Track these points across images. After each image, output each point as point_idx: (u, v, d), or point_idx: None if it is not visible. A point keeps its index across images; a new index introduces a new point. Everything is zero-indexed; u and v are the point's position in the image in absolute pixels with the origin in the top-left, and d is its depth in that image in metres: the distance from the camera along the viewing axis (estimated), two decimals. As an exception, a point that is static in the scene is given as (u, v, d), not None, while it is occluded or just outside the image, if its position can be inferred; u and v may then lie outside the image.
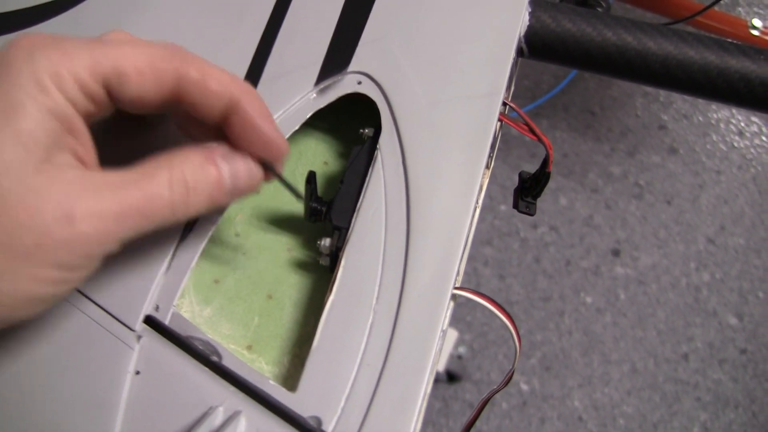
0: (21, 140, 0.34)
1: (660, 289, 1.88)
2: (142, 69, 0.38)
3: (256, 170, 0.43)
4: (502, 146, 2.00)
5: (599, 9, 0.85)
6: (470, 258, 1.89)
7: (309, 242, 0.54)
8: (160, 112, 0.42)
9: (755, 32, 1.89)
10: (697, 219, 1.97)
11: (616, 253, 1.91)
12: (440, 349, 0.47)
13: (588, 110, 2.09)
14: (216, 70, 0.40)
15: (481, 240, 1.91)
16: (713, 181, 2.03)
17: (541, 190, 0.57)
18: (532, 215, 0.59)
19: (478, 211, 0.52)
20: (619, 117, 2.10)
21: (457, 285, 0.48)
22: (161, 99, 0.39)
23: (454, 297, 0.47)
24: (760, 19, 2.17)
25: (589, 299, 1.86)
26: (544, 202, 1.96)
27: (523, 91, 2.12)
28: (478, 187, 0.49)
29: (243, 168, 0.42)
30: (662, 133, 2.07)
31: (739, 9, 2.32)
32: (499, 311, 0.48)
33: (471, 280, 1.87)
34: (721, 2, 1.53)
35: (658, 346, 1.82)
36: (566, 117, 2.07)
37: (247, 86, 0.41)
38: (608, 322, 1.84)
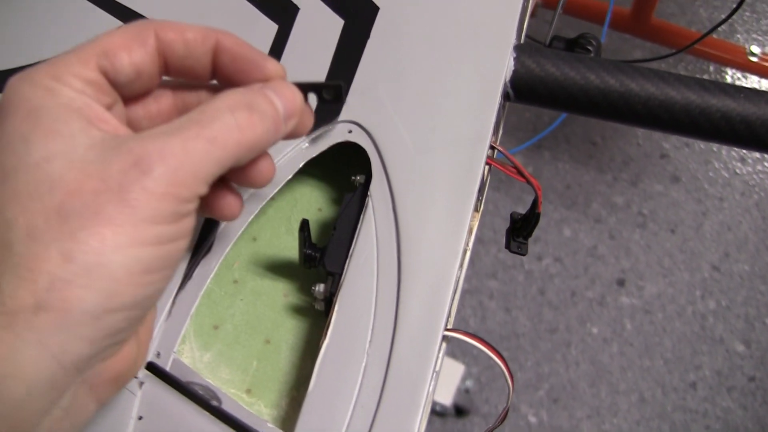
0: (55, 133, 0.34)
1: (666, 317, 1.88)
2: (124, 43, 0.38)
3: (292, 87, 0.42)
4: (504, 179, 2.01)
5: (590, 47, 0.86)
6: (475, 291, 1.90)
7: (305, 287, 0.56)
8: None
9: (754, 58, 1.90)
10: (701, 246, 1.98)
11: (621, 282, 1.92)
12: (433, 390, 0.48)
13: (590, 141, 2.11)
14: (188, 24, 0.40)
15: (486, 273, 1.92)
16: (716, 208, 2.03)
17: (532, 230, 0.59)
18: (523, 255, 0.60)
19: (468, 253, 0.53)
20: (620, 146, 2.11)
21: (449, 326, 0.49)
22: (154, 65, 0.39)
23: (446, 338, 0.48)
24: (758, 45, 2.19)
25: (595, 330, 1.86)
26: (548, 233, 1.97)
27: (524, 123, 2.13)
28: (466, 231, 0.50)
29: (283, 87, 0.41)
30: (664, 162, 2.08)
31: (738, 36, 2.34)
32: (491, 351, 0.49)
33: (477, 314, 1.87)
34: (720, 29, 1.55)
35: (665, 375, 1.82)
36: (568, 148, 2.09)
37: (221, 29, 0.41)
38: (615, 352, 1.84)
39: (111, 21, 0.60)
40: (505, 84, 0.56)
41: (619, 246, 1.97)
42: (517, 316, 1.88)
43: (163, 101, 0.43)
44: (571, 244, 1.96)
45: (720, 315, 1.90)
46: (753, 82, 2.21)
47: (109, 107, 0.38)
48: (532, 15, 1.82)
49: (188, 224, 0.37)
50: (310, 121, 0.44)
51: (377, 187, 0.52)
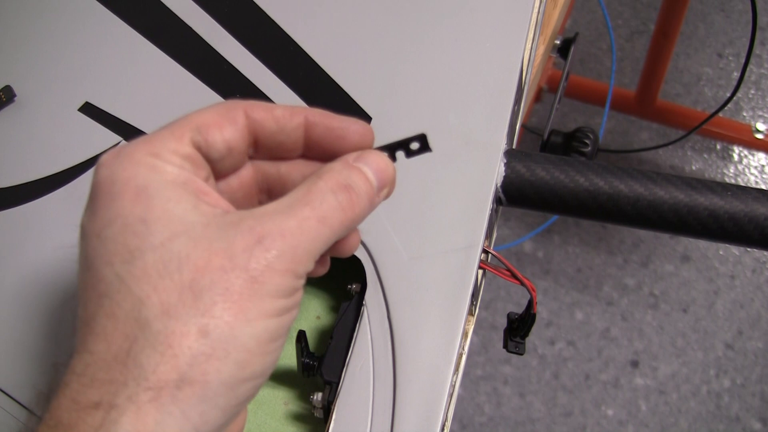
0: (170, 213, 0.35)
1: (681, 397, 1.87)
2: (215, 120, 0.39)
3: (384, 157, 0.42)
4: (517, 265, 2.02)
5: (586, 141, 0.88)
6: (489, 377, 1.89)
7: (304, 395, 0.57)
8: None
9: (760, 136, 1.92)
10: (714, 325, 1.97)
11: (634, 364, 1.91)
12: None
13: (599, 223, 2.11)
14: (275, 103, 0.41)
15: (500, 359, 1.91)
16: (728, 286, 2.03)
17: (529, 330, 0.60)
18: (521, 354, 0.61)
19: (464, 357, 0.54)
20: (630, 229, 2.11)
21: (446, 431, 0.50)
22: (244, 143, 0.40)
23: (442, 443, 0.49)
24: (764, 122, 2.21)
25: (610, 412, 1.85)
26: (560, 317, 1.97)
27: (533, 207, 2.14)
28: (460, 336, 0.51)
29: (376, 159, 0.42)
30: (674, 242, 2.09)
31: (744, 114, 2.36)
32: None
33: (492, 400, 1.87)
34: (725, 107, 1.57)
35: (683, 456, 1.81)
36: (578, 231, 2.10)
37: (307, 107, 0.42)
38: (631, 434, 1.83)
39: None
40: (496, 189, 0.58)
41: (632, 328, 1.96)
42: (531, 401, 1.87)
43: (243, 174, 0.44)
44: (584, 328, 1.96)
45: (735, 393, 1.88)
46: (760, 159, 2.22)
47: (204, 180, 0.39)
48: (538, 100, 1.85)
49: (300, 295, 0.38)
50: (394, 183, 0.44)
51: (372, 296, 0.53)
